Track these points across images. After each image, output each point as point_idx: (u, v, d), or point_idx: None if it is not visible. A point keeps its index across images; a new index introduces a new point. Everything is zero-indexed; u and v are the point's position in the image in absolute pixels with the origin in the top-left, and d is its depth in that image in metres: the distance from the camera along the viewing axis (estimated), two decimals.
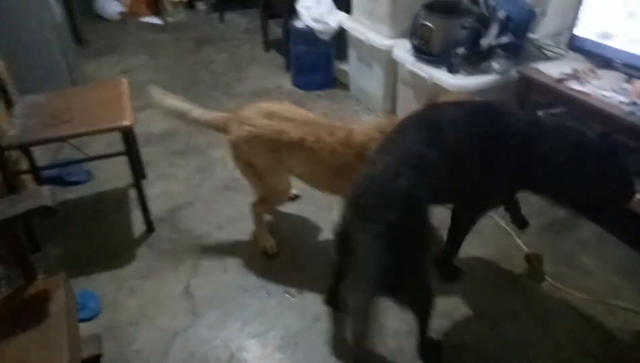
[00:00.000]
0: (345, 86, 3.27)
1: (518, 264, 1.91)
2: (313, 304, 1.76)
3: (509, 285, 1.83)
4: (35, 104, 2.00)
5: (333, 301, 1.72)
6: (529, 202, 2.18)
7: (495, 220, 2.09)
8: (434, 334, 1.58)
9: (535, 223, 2.06)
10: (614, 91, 1.85)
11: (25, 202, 1.22)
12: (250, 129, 1.72)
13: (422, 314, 1.45)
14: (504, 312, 1.72)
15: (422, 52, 2.40)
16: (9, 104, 2.00)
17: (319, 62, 3.23)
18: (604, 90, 1.85)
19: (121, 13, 4.59)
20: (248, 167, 1.82)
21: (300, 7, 3.10)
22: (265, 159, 1.77)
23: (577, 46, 2.12)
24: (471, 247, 1.92)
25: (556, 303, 1.75)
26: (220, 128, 1.82)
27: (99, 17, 4.62)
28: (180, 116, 1.85)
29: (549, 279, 1.83)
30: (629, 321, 1.68)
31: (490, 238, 2.03)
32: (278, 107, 1.79)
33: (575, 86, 1.90)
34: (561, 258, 1.94)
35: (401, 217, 1.22)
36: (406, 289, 1.32)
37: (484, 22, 2.26)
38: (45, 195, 1.22)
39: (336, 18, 3.05)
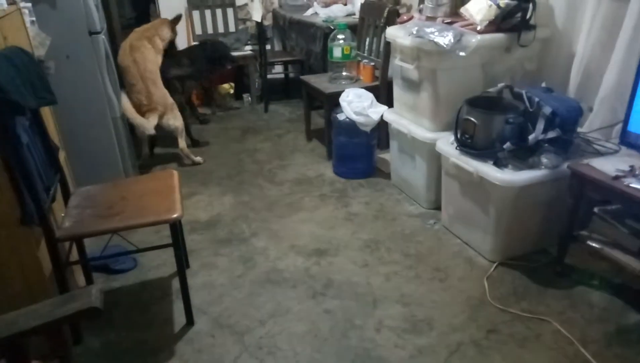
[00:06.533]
0: (386, 175, 3.28)
1: None
2: None
3: None
4: (90, 194, 2.08)
5: None
6: (591, 306, 2.04)
7: (555, 326, 1.93)
8: None
9: (600, 331, 1.89)
10: None
11: (74, 303, 1.20)
12: None
13: None
14: None
15: (466, 146, 2.39)
16: (66, 194, 2.09)
17: (360, 151, 3.28)
18: None
19: None
20: None
21: (342, 100, 3.21)
22: None
23: (630, 141, 2.07)
24: (532, 356, 1.77)
25: None
26: None
27: None
28: None
29: None
30: None
31: (553, 347, 1.87)
32: None
33: (634, 184, 1.82)
34: None
35: None
36: None
37: (528, 118, 2.26)
38: (95, 296, 1.21)
39: (377, 111, 3.14)
